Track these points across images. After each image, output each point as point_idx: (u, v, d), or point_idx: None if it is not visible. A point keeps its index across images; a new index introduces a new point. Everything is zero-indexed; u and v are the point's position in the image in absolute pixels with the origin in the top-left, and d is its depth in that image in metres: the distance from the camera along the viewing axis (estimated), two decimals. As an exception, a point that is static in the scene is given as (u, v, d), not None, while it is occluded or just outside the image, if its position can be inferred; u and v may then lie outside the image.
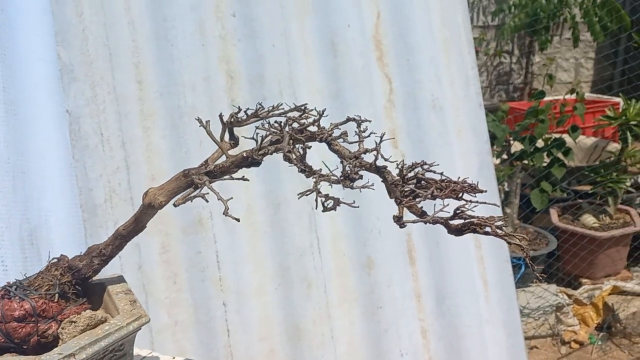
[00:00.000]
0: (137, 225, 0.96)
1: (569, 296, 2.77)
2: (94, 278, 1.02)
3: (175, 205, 0.84)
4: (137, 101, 1.71)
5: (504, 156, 3.10)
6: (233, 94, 1.80)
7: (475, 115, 2.02)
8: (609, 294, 2.77)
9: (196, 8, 1.75)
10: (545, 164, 3.09)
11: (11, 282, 0.95)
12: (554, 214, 3.03)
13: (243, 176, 0.84)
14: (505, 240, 0.77)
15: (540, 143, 3.09)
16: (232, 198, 0.82)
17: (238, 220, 0.78)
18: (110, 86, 1.67)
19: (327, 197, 0.77)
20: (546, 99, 3.38)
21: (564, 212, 3.15)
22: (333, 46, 1.88)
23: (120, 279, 1.05)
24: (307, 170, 0.79)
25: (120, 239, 0.98)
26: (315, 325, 1.86)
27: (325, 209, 0.76)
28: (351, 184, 0.77)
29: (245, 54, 1.81)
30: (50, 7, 1.64)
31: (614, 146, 3.45)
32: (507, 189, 3.04)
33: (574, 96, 3.35)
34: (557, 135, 3.13)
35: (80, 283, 0.98)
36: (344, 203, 0.78)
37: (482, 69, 5.35)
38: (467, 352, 2.01)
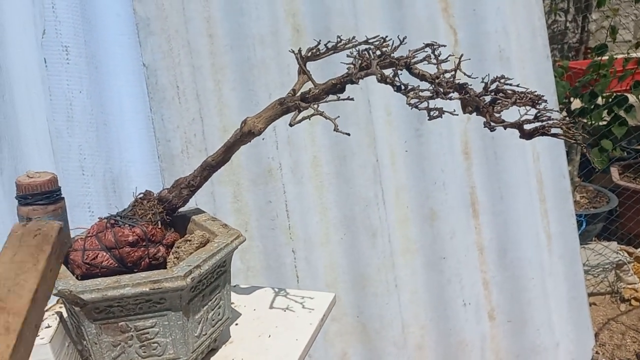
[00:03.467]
0: (226, 155, 1.02)
1: (630, 254, 2.74)
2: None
3: (291, 125, 0.89)
4: (208, 55, 1.76)
5: (564, 113, 3.04)
6: (299, 48, 1.82)
7: (542, 67, 1.99)
8: (671, 253, 2.73)
9: (264, -39, 1.78)
10: (605, 122, 3.02)
11: (111, 214, 1.02)
12: (614, 172, 2.97)
13: (348, 96, 0.89)
14: (572, 139, 0.82)
15: (600, 101, 3.02)
16: (339, 117, 0.87)
17: (349, 134, 0.84)
18: (184, 40, 1.72)
19: (432, 108, 0.81)
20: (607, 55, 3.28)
21: (625, 171, 3.08)
22: (398, -2, 1.88)
23: (199, 210, 1.13)
24: (404, 87, 0.83)
25: (209, 169, 1.04)
26: (379, 273, 1.91)
27: (430, 118, 0.81)
28: (446, 97, 0.81)
29: (311, 7, 1.83)
30: (126, -37, 1.69)
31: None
32: (566, 147, 2.99)
33: (638, 52, 3.24)
34: (619, 94, 3.05)
35: (170, 213, 1.05)
36: (447, 112, 0.82)
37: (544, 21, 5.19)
38: (529, 303, 2.03)
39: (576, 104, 3.03)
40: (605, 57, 3.16)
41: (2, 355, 0.50)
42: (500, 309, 2.04)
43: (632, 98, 3.04)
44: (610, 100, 2.99)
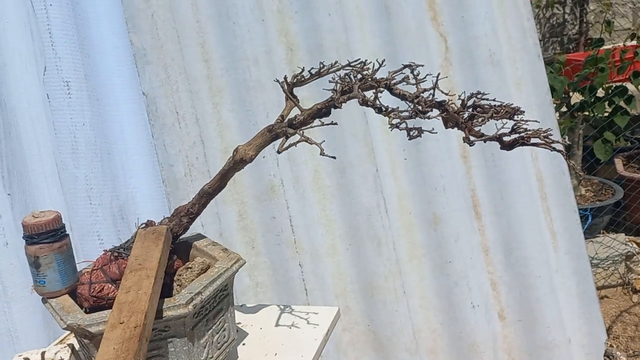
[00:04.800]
0: (222, 182, 1.06)
1: (638, 245, 2.73)
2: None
3: (278, 152, 0.93)
4: (205, 79, 1.81)
5: (564, 108, 3.05)
6: (293, 66, 1.87)
7: (534, 67, 2.01)
8: (681, 241, 2.73)
9: (253, -16, 1.82)
10: (607, 114, 3.02)
11: (114, 247, 1.07)
12: (619, 163, 2.97)
13: (332, 121, 0.92)
14: (551, 148, 0.85)
15: (600, 92, 3.03)
16: (324, 141, 0.90)
17: (334, 157, 0.88)
18: (180, 67, 1.77)
19: (411, 128, 0.85)
20: (604, 47, 3.29)
21: (629, 161, 3.08)
22: (387, 9, 1.91)
23: (200, 236, 1.17)
24: (384, 109, 0.87)
25: (206, 196, 1.08)
26: (387, 281, 1.94)
27: (411, 137, 0.84)
28: (425, 116, 0.85)
29: (302, 25, 1.87)
30: (119, -4, 1.75)
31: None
32: (568, 142, 3.00)
33: (634, 42, 3.24)
34: (618, 84, 3.06)
35: (172, 241, 1.09)
36: (427, 131, 0.85)
37: (534, 21, 5.20)
38: (538, 301, 2.04)
39: (576, 97, 3.05)
40: (604, 48, 3.18)
41: (147, 287, 0.85)
42: (510, 309, 2.06)
43: (631, 87, 3.04)
44: (610, 91, 3.00)
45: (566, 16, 5.35)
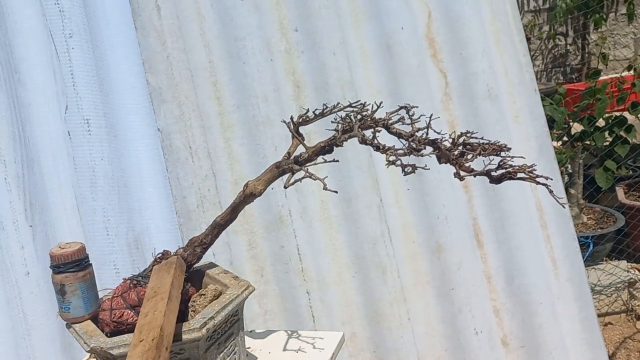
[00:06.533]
0: (233, 214, 1.14)
1: (641, 271, 2.78)
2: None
3: (285, 187, 1.01)
4: (217, 115, 1.91)
5: (565, 138, 3.13)
6: (300, 102, 1.97)
7: (531, 100, 2.09)
8: (684, 268, 2.76)
9: (262, 26, 1.93)
10: (607, 143, 3.09)
11: (133, 275, 1.15)
12: (620, 192, 3.03)
13: (334, 158, 1.01)
14: (535, 182, 0.92)
15: (600, 122, 3.11)
16: (327, 177, 0.98)
17: (336, 192, 0.96)
18: (194, 104, 1.87)
19: (406, 165, 0.92)
20: (604, 77, 3.39)
21: (630, 189, 3.14)
22: (389, 49, 2.02)
23: (212, 265, 1.25)
24: (382, 147, 0.95)
25: (218, 228, 1.16)
26: (392, 308, 2.00)
27: (406, 173, 0.92)
28: (419, 153, 0.92)
29: (309, 64, 1.98)
30: (137, 39, 1.86)
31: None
32: (570, 171, 3.07)
33: (631, 73, 3.33)
34: (618, 114, 3.13)
35: (186, 270, 1.17)
36: (420, 167, 0.93)
37: (536, 53, 5.32)
38: (540, 327, 2.09)
39: (576, 127, 3.12)
40: (602, 79, 3.27)
41: (161, 307, 0.93)
42: (513, 335, 2.11)
43: (630, 117, 3.12)
44: (610, 121, 3.08)
45: (568, 47, 5.47)
